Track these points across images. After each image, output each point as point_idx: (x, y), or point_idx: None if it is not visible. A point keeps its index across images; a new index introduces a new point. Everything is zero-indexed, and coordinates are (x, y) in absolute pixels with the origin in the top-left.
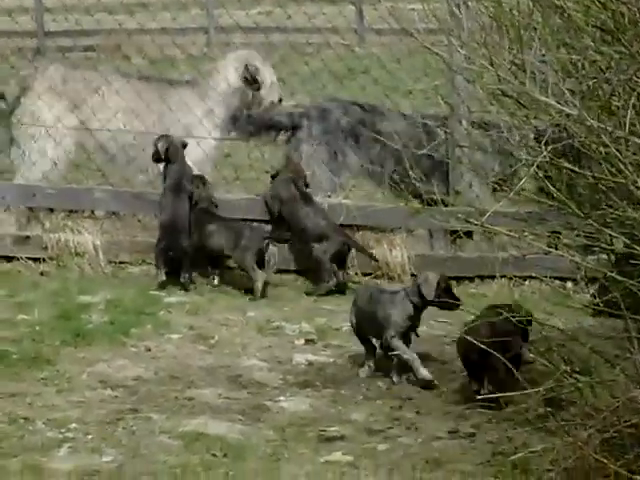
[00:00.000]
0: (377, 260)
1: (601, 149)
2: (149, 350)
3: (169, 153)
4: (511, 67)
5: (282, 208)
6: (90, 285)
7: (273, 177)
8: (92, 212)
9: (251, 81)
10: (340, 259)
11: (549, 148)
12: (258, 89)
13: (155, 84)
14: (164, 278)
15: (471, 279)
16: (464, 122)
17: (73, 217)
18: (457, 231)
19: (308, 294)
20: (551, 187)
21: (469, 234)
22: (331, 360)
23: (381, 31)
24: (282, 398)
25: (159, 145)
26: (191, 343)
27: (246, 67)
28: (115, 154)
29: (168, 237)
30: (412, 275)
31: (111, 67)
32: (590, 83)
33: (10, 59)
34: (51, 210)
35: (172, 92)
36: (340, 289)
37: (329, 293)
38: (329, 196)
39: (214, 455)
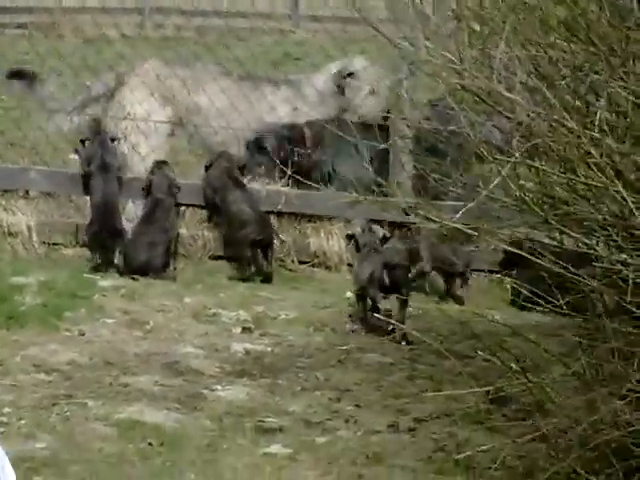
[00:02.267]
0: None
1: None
2: (83, 334)
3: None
4: (475, 62)
5: (215, 196)
6: (23, 266)
7: (207, 168)
8: (26, 192)
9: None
10: (262, 248)
11: (524, 147)
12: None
13: (248, 82)
14: (99, 261)
15: None
16: (406, 111)
17: (7, 197)
18: (394, 222)
19: (230, 278)
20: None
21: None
22: (268, 349)
23: (319, 18)
24: (219, 387)
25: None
26: (126, 328)
27: (339, 72)
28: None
29: (100, 219)
30: (349, 265)
31: (206, 64)
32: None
33: None
34: None
35: (264, 90)
36: (265, 278)
37: (251, 279)
38: (268, 183)
39: (150, 444)
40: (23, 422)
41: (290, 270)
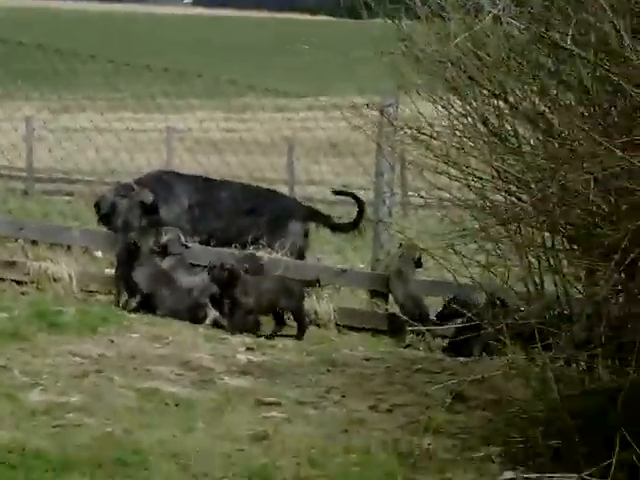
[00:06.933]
0: None
1: None
2: (112, 342)
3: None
4: None
5: None
6: (63, 301)
7: None
8: (69, 247)
9: None
10: None
11: None
12: None
13: None
14: (126, 298)
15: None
16: None
17: (53, 249)
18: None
19: None
20: None
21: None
22: (267, 359)
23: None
24: (226, 378)
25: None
26: (149, 341)
27: None
28: None
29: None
30: (336, 324)
31: None
32: None
33: None
34: (34, 242)
35: None
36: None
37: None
38: (270, 253)
39: (166, 404)
40: (59, 384)
41: None
